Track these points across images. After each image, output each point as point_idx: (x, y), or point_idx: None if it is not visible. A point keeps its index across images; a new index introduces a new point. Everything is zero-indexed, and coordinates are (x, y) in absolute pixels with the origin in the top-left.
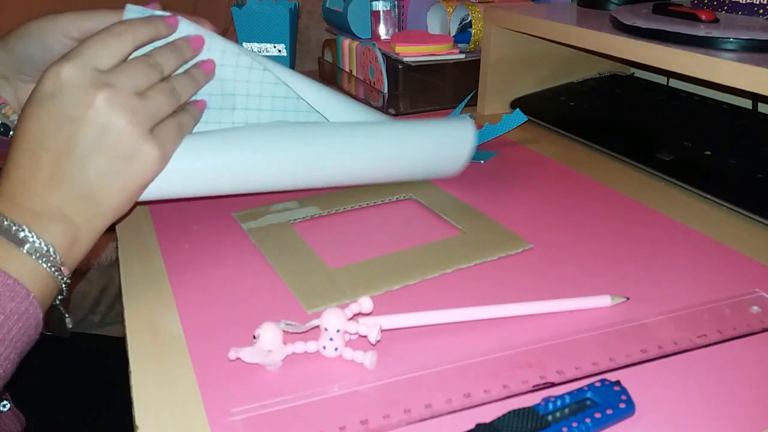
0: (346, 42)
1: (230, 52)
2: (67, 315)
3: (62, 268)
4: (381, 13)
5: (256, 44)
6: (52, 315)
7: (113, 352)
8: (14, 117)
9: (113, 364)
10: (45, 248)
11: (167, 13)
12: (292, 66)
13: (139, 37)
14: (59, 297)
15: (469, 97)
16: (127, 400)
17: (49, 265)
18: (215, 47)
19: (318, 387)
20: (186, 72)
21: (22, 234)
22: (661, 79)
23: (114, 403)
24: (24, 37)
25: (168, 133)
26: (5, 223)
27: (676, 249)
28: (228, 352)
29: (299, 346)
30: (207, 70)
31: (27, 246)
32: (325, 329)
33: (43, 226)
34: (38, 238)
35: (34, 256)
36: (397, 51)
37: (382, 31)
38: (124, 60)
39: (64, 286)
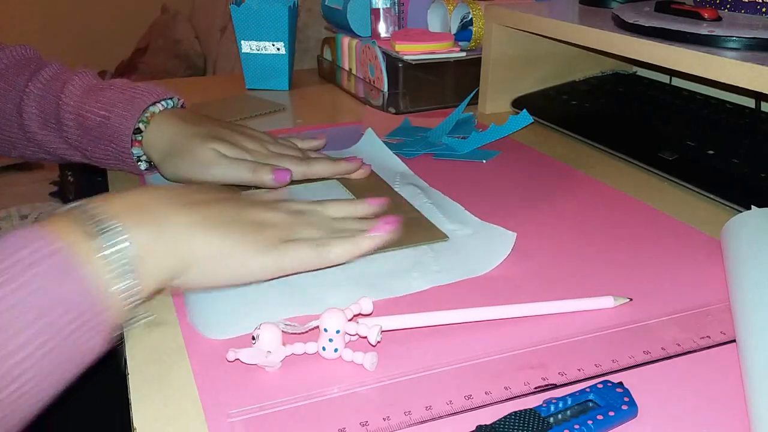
0: (346, 40)
1: None
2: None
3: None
4: (381, 10)
5: (254, 42)
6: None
7: (111, 352)
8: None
9: (111, 365)
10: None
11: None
12: (291, 65)
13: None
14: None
15: (471, 95)
16: (124, 401)
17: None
18: None
19: (317, 388)
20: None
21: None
22: (664, 78)
23: (112, 404)
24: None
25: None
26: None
27: (679, 249)
28: (226, 352)
29: (298, 347)
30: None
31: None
32: (325, 330)
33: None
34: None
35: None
36: (397, 49)
37: (382, 29)
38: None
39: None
